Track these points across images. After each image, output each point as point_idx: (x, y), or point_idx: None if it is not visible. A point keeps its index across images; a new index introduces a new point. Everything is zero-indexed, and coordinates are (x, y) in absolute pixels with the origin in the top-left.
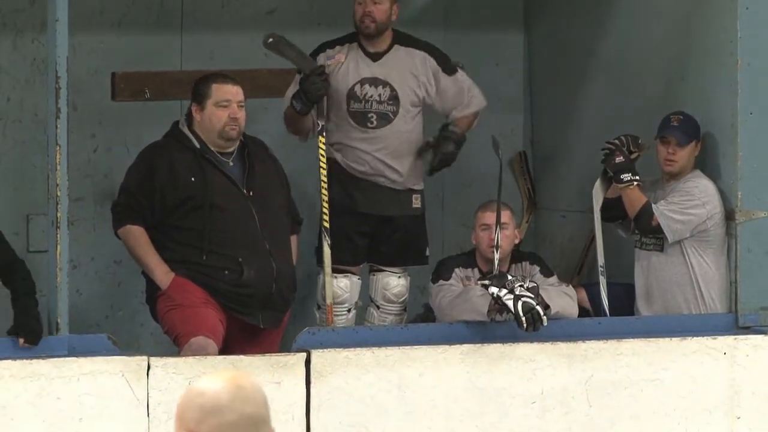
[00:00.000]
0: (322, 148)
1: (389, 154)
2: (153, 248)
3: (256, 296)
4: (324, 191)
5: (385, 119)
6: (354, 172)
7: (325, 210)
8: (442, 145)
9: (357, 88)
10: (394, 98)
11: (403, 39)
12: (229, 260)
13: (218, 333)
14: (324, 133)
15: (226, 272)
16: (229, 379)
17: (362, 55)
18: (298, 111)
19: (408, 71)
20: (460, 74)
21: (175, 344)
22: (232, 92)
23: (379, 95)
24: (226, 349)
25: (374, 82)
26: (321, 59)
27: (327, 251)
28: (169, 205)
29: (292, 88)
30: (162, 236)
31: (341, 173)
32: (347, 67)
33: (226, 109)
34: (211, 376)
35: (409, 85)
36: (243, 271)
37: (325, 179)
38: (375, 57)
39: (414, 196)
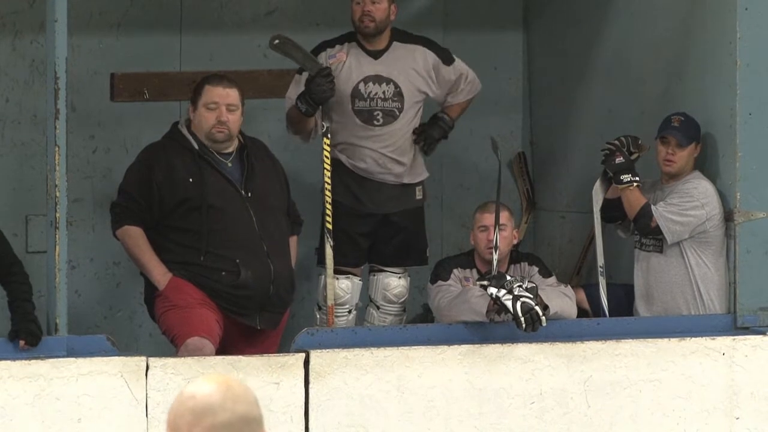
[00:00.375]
0: (326, 150)
1: (396, 150)
2: (151, 249)
3: (253, 297)
4: (328, 193)
5: (390, 116)
6: (360, 171)
7: (328, 212)
8: (430, 129)
9: (361, 86)
10: (399, 95)
11: (401, 36)
12: (227, 261)
13: (215, 334)
14: (329, 135)
15: (224, 273)
16: (219, 381)
17: (363, 53)
18: (304, 113)
19: (409, 67)
20: (458, 62)
21: (173, 345)
22: (221, 95)
23: (384, 92)
24: (224, 350)
25: (378, 79)
26: (322, 58)
27: (329, 252)
28: (167, 206)
29: (293, 89)
30: (160, 237)
31: (346, 174)
32: (349, 66)
33: (213, 111)
34: (200, 379)
35: (411, 80)
36: (240, 272)
37: (330, 180)
38: (375, 55)
39: (417, 188)
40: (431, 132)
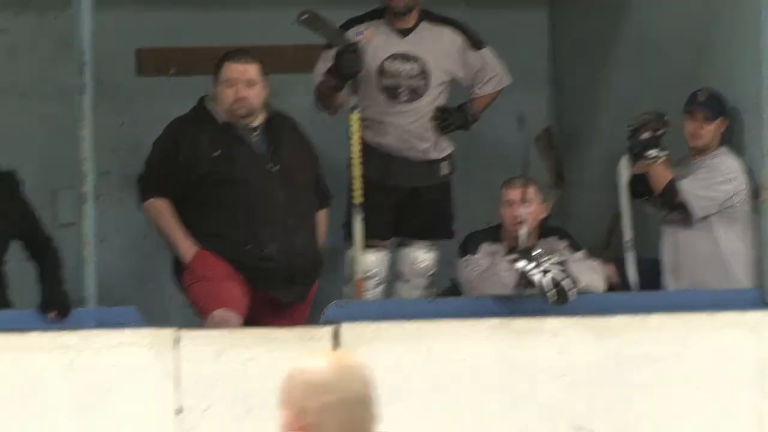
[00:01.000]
0: (355, 125)
1: (420, 126)
2: (177, 222)
3: (278, 270)
4: (356, 166)
5: (415, 93)
6: (383, 148)
7: (357, 186)
8: (454, 111)
9: (387, 64)
10: (424, 73)
11: (430, 16)
12: (252, 235)
13: (241, 306)
14: (357, 110)
15: (249, 246)
16: (334, 358)
17: (390, 31)
18: (333, 87)
19: (436, 47)
20: (487, 50)
21: (199, 317)
22: (239, 71)
23: (410, 70)
24: (252, 323)
25: (404, 57)
26: (349, 36)
27: (359, 227)
28: (193, 179)
29: (322, 64)
30: (186, 210)
31: (370, 151)
32: (377, 43)
33: (231, 87)
34: (313, 356)
35: (437, 60)
36: (266, 245)
37: (359, 155)
38: (403, 33)
39: (443, 163)
40: (454, 113)
